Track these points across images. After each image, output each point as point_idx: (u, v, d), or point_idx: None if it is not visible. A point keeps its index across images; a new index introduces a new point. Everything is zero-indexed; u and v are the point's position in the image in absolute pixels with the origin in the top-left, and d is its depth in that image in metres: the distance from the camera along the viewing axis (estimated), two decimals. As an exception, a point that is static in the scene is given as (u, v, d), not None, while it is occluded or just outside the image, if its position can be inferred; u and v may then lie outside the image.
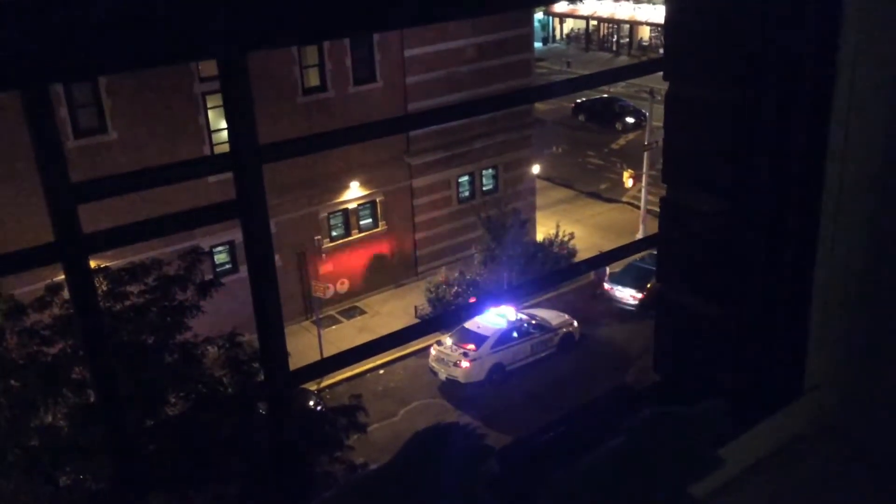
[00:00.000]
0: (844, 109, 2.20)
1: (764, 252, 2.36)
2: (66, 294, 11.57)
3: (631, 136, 40.20)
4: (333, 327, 24.98)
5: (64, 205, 1.10)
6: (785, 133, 2.27)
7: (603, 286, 25.38)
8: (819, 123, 2.23)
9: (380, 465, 0.94)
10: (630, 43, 55.48)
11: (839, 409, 2.42)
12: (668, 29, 2.40)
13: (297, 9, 1.11)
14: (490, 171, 28.74)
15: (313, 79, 24.32)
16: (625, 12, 53.35)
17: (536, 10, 48.05)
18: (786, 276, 2.37)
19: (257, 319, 1.37)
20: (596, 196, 33.99)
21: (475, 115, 1.67)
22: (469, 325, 21.82)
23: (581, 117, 42.28)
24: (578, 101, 42.20)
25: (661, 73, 2.39)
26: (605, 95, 42.16)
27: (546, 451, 1.98)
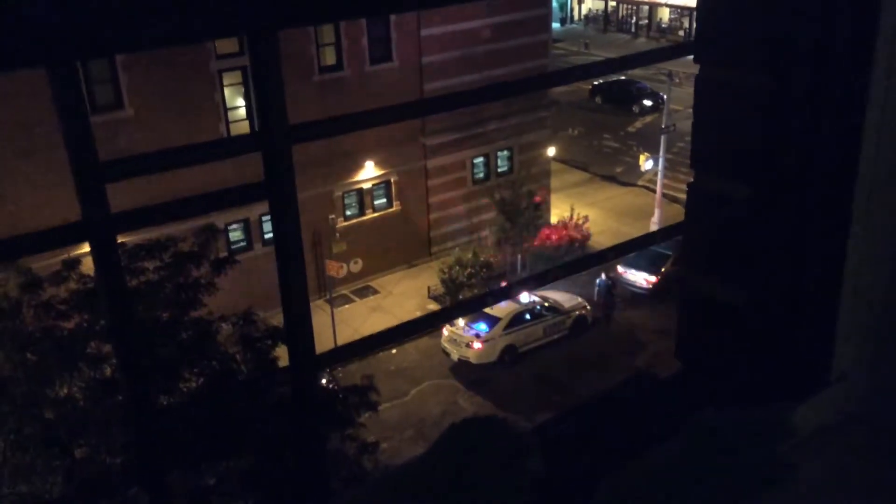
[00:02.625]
0: (881, 97, 2.15)
1: (793, 240, 2.32)
2: (82, 269, 11.63)
3: (648, 118, 39.86)
4: (346, 306, 25.04)
5: (92, 184, 1.08)
6: (817, 120, 2.22)
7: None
8: (853, 111, 2.18)
9: (416, 457, 0.91)
10: (649, 24, 54.89)
11: (867, 399, 2.38)
12: (700, 12, 2.34)
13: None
14: (505, 152, 28.58)
15: (329, 57, 24.20)
16: (644, -7, 52.74)
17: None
18: (815, 265, 2.33)
19: (283, 302, 1.34)
20: (611, 179, 33.78)
21: (508, 96, 1.64)
22: (482, 306, 21.79)
23: (598, 99, 41.93)
24: (595, 82, 41.80)
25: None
26: (623, 77, 41.78)
27: (566, 440, 1.96)
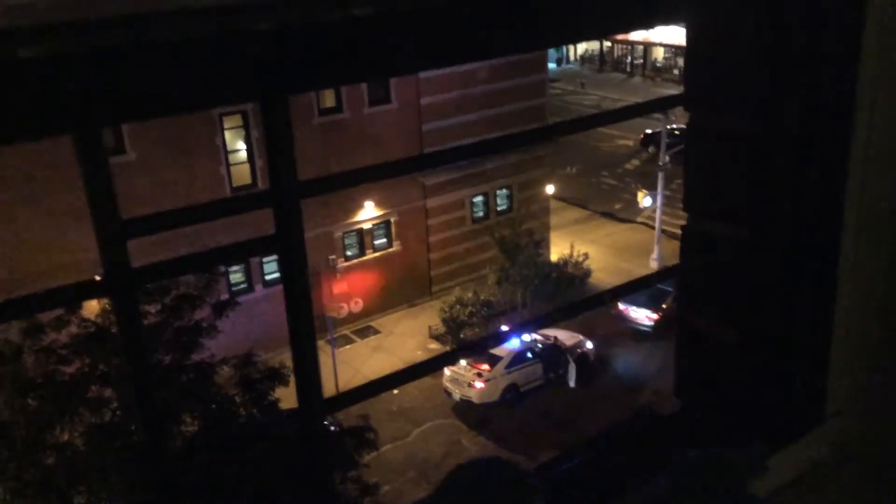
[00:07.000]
0: (864, 138, 2.23)
1: (785, 279, 2.38)
2: (83, 313, 11.65)
3: (644, 156, 40.06)
4: (347, 347, 24.98)
5: (114, 240, 1.15)
6: (805, 161, 2.29)
7: None
8: (839, 152, 2.26)
9: (424, 498, 0.96)
10: (644, 63, 55.62)
11: (861, 436, 2.42)
12: (688, 60, 2.44)
13: (339, 52, 1.16)
14: (504, 190, 28.78)
15: (329, 100, 24.51)
16: (639, 33, 53.47)
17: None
18: (807, 303, 2.39)
19: (293, 349, 1.40)
20: (610, 216, 33.94)
21: (503, 151, 1.71)
22: (483, 345, 21.78)
23: (651, 149, 38.31)
24: (647, 131, 38.71)
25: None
26: (673, 127, 37.83)
27: (569, 481, 2.00)
